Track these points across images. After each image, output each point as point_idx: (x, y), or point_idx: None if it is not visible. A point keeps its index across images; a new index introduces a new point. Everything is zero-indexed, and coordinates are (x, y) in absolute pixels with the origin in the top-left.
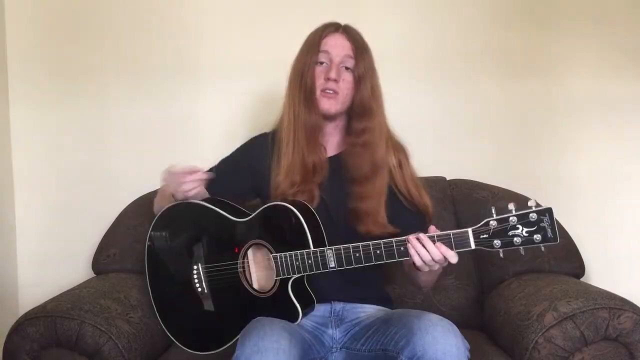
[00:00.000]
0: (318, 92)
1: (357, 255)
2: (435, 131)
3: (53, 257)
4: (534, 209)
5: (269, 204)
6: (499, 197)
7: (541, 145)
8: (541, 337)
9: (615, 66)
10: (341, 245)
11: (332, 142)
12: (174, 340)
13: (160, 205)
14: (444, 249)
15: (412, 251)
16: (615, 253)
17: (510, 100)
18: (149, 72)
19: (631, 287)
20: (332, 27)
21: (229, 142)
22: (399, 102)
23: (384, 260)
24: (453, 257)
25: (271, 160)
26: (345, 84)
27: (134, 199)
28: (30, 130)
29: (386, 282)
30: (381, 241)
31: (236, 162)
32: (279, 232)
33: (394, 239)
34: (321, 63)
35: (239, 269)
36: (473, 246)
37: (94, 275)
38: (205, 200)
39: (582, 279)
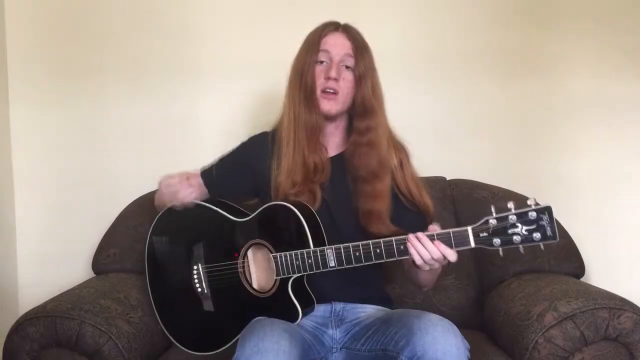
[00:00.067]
0: (318, 91)
1: (357, 254)
2: (435, 131)
3: (53, 257)
4: (533, 207)
5: (268, 204)
6: (499, 197)
7: (541, 145)
8: (541, 337)
9: (615, 66)
10: (341, 245)
11: (332, 142)
12: (174, 341)
13: (161, 201)
14: (443, 247)
15: (412, 250)
16: (615, 253)
17: (510, 100)
18: (149, 72)
19: (631, 287)
20: (332, 26)
21: (229, 142)
22: (399, 102)
23: (383, 259)
24: (452, 256)
25: (271, 160)
26: (345, 83)
27: (134, 199)
28: (30, 130)
29: (386, 282)
30: (381, 240)
31: (236, 162)
32: (279, 232)
33: (393, 238)
34: (321, 62)
35: (239, 269)
36: (473, 245)
37: (94, 275)
38: (205, 200)
39: (582, 279)
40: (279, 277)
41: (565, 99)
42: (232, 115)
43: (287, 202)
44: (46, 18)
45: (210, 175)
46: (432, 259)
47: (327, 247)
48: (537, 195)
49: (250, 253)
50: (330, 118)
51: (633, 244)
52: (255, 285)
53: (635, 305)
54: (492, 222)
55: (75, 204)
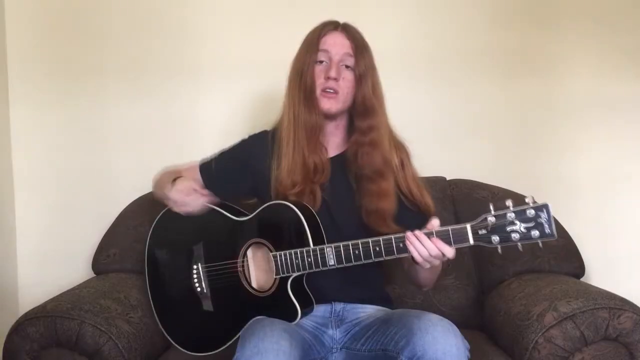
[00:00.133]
0: (318, 91)
1: (357, 252)
2: (435, 131)
3: (53, 257)
4: (531, 205)
5: (268, 203)
6: (499, 197)
7: (541, 145)
8: (541, 337)
9: (615, 66)
10: (340, 243)
11: (333, 141)
12: (173, 342)
13: (163, 189)
14: (441, 244)
15: (410, 247)
16: (615, 253)
17: (510, 100)
18: (149, 72)
19: (631, 287)
20: (331, 26)
21: (229, 142)
22: (399, 102)
23: (383, 257)
24: (449, 252)
25: (271, 159)
26: (345, 83)
27: (134, 199)
28: (30, 130)
29: (386, 282)
30: (380, 238)
31: (236, 159)
32: (279, 231)
33: (392, 236)
34: (321, 62)
35: (239, 268)
36: (471, 242)
37: (94, 275)
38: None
39: (582, 279)
40: (279, 276)
41: (565, 99)
42: (232, 115)
43: (287, 201)
44: (46, 18)
45: (209, 170)
46: (430, 256)
47: (327, 245)
48: (537, 195)
49: (250, 252)
50: (330, 117)
51: (633, 244)
52: (254, 285)
53: (635, 305)
54: (491, 219)
55: (75, 204)
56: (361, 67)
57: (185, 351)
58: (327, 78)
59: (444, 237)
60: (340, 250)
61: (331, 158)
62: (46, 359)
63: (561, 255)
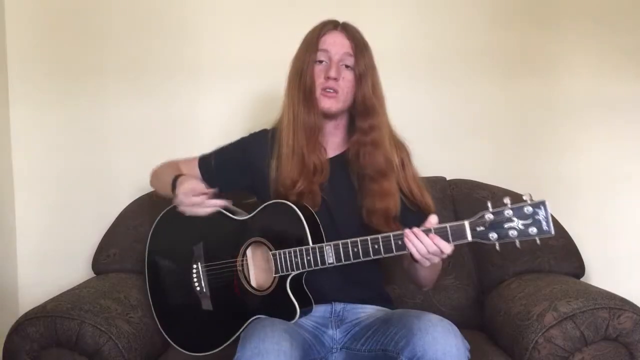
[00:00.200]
0: (318, 91)
1: (355, 250)
2: (435, 131)
3: (53, 257)
4: (528, 202)
5: (268, 203)
6: (499, 197)
7: (541, 145)
8: (541, 337)
9: (615, 66)
10: (339, 241)
11: (332, 141)
12: (172, 343)
13: (163, 183)
14: (438, 240)
15: (409, 245)
16: (615, 253)
17: (510, 100)
18: (148, 72)
19: (631, 287)
20: (331, 25)
21: (229, 142)
22: (399, 102)
23: (382, 255)
24: (447, 249)
25: (270, 159)
26: (345, 83)
27: (134, 199)
28: (30, 130)
29: (386, 282)
30: (379, 236)
31: (235, 156)
32: (278, 230)
33: (391, 233)
34: (320, 62)
35: (238, 267)
36: (470, 238)
37: (94, 275)
38: None
39: (582, 279)
40: (278, 275)
41: (565, 99)
42: (232, 115)
43: (287, 201)
44: (46, 18)
45: (208, 165)
46: (429, 252)
47: (326, 243)
48: (537, 195)
49: (249, 251)
50: (330, 117)
51: (633, 244)
52: (254, 284)
53: (635, 305)
54: (489, 216)
55: (75, 204)
56: (361, 67)
57: (185, 351)
58: (327, 78)
59: (442, 234)
60: (340, 249)
61: (331, 158)
62: (46, 359)
63: (561, 255)
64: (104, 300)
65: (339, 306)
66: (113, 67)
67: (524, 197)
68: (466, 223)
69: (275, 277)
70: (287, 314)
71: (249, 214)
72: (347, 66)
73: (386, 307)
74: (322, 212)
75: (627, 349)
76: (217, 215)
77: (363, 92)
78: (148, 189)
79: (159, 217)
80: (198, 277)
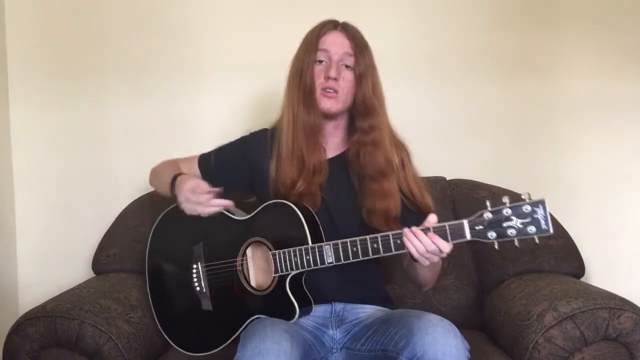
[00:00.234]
0: (318, 91)
1: (355, 249)
2: (435, 131)
3: (53, 257)
4: (527, 201)
5: (268, 203)
6: (499, 197)
7: (541, 145)
8: (541, 337)
9: (615, 66)
10: (339, 241)
11: (332, 142)
12: (172, 344)
13: (162, 182)
14: (437, 239)
15: (407, 244)
16: (615, 253)
17: (510, 100)
18: (148, 72)
19: (631, 287)
20: (331, 25)
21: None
22: (399, 102)
23: (381, 254)
24: (446, 247)
25: (270, 158)
26: (345, 83)
27: (134, 199)
28: (30, 130)
29: (386, 282)
30: (378, 235)
31: (235, 155)
32: (278, 230)
33: (390, 233)
34: (320, 62)
35: (238, 267)
36: (468, 237)
37: (94, 275)
38: None
39: (582, 279)
40: (277, 275)
41: (565, 99)
42: (232, 115)
43: (287, 201)
44: (46, 18)
45: (207, 163)
46: (427, 251)
47: (325, 243)
48: (537, 195)
49: (249, 251)
50: (330, 117)
51: (633, 244)
52: (253, 284)
53: (635, 305)
54: (487, 215)
55: (75, 204)
56: (361, 67)
57: (185, 352)
58: (327, 78)
59: (441, 233)
60: (339, 248)
61: (331, 158)
62: (46, 359)
63: (561, 255)
64: (104, 300)
65: (339, 306)
66: (113, 67)
67: (523, 196)
68: (465, 222)
69: (274, 276)
70: (286, 313)
71: (249, 214)
72: (347, 66)
73: (386, 307)
74: (322, 213)
75: (627, 349)
76: (217, 215)
77: (363, 92)
78: (148, 189)
79: (159, 217)
80: (198, 277)
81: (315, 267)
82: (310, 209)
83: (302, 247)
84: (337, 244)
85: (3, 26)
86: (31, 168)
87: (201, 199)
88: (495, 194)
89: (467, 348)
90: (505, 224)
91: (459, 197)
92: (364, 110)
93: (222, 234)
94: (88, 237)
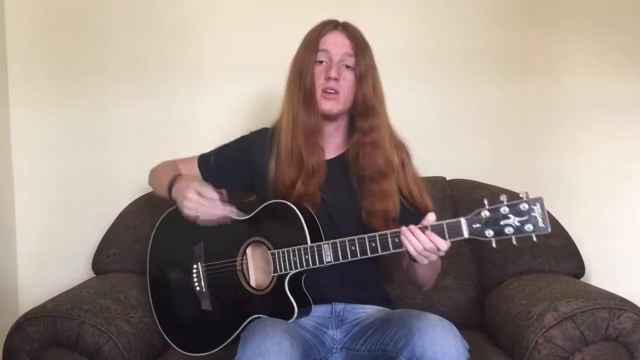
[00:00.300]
0: (319, 92)
1: (353, 248)
2: (435, 131)
3: (53, 257)
4: (524, 199)
5: (267, 202)
6: (497, 196)
7: (541, 145)
8: (541, 337)
9: (615, 66)
10: (337, 240)
11: (332, 143)
12: (172, 344)
13: (160, 184)
14: (434, 237)
15: (405, 242)
16: (615, 253)
17: (510, 100)
18: (148, 72)
19: (631, 287)
20: (331, 25)
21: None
22: (399, 102)
23: (379, 253)
24: (443, 245)
25: (270, 158)
26: (346, 83)
27: (134, 199)
28: (30, 130)
29: (386, 282)
30: (376, 234)
31: (235, 155)
32: (277, 230)
33: (388, 231)
34: (320, 62)
35: (238, 267)
36: (466, 235)
37: (94, 275)
38: None
39: (582, 279)
40: (276, 274)
41: (565, 99)
42: (232, 115)
43: (286, 201)
44: (46, 18)
45: (207, 164)
46: (425, 249)
47: (324, 242)
48: (537, 195)
49: (249, 251)
50: (330, 118)
51: (633, 244)
52: (253, 283)
53: (635, 305)
54: (485, 213)
55: (75, 204)
56: (361, 67)
57: (184, 352)
58: (328, 78)
59: (439, 231)
60: (337, 247)
61: (332, 159)
62: (46, 359)
63: (561, 255)
64: (104, 300)
65: (339, 306)
66: (113, 67)
67: (520, 195)
68: (462, 220)
69: (273, 276)
70: (285, 313)
71: (249, 213)
72: (347, 66)
73: (386, 307)
74: (322, 213)
75: (627, 349)
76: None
77: (363, 92)
78: (148, 189)
79: (161, 218)
80: (198, 277)
81: (314, 267)
82: (310, 208)
83: (301, 247)
84: (336, 243)
85: (3, 26)
86: (31, 168)
87: (207, 203)
88: (495, 194)
89: (467, 348)
90: (502, 222)
91: (459, 197)
92: (364, 110)
93: (222, 234)
94: (88, 237)
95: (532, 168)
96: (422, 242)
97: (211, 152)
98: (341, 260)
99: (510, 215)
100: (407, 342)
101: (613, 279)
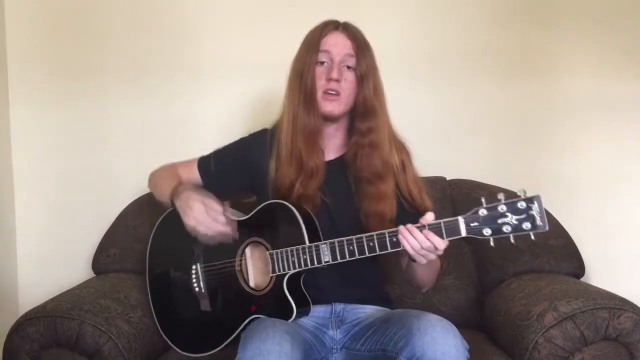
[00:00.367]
0: (319, 93)
1: (351, 248)
2: (435, 131)
3: (53, 257)
4: (522, 197)
5: (266, 203)
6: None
7: (541, 145)
8: (541, 337)
9: (615, 66)
10: (335, 239)
11: (333, 144)
12: (172, 345)
13: (160, 193)
14: (432, 235)
15: (403, 241)
16: (615, 253)
17: (510, 100)
18: (148, 72)
19: (631, 287)
20: (332, 25)
21: (229, 142)
22: (399, 102)
23: (377, 252)
24: (441, 244)
25: (270, 159)
26: (347, 84)
27: (134, 199)
28: (30, 130)
29: (386, 282)
30: (374, 233)
31: (236, 157)
32: (276, 230)
33: (386, 231)
34: (322, 63)
35: (236, 268)
36: (464, 234)
37: (94, 275)
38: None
39: (582, 279)
40: (275, 274)
41: (565, 99)
42: (232, 115)
43: (285, 201)
44: (46, 18)
45: (207, 167)
46: (422, 248)
47: (322, 242)
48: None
49: (248, 251)
50: (331, 119)
51: (633, 244)
52: (252, 284)
53: (635, 305)
54: (483, 212)
55: (75, 204)
56: (362, 67)
57: (184, 353)
58: (329, 79)
59: (436, 230)
60: (335, 247)
61: (332, 160)
62: (46, 359)
63: (561, 255)
64: (104, 300)
65: (339, 306)
66: (113, 67)
67: (518, 193)
68: (460, 219)
69: (272, 276)
70: (283, 313)
71: (248, 214)
72: (348, 67)
73: (386, 307)
74: (323, 215)
75: (627, 349)
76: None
77: (364, 93)
78: (148, 189)
79: (160, 219)
80: (197, 277)
81: (312, 267)
82: (308, 209)
83: (299, 247)
84: (334, 243)
85: (3, 26)
86: (31, 168)
87: (218, 219)
88: (494, 193)
89: (467, 348)
90: (500, 221)
91: (459, 197)
92: (364, 111)
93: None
94: (88, 237)
95: (532, 168)
96: (420, 241)
97: (210, 154)
98: (339, 260)
99: (508, 214)
100: (407, 342)
101: (613, 279)
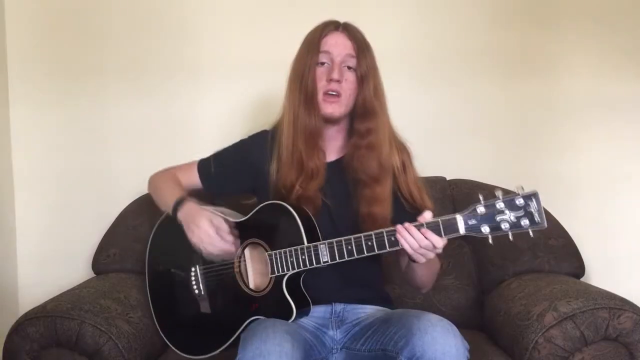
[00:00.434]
0: (320, 94)
1: (349, 247)
2: (435, 131)
3: (53, 257)
4: (520, 194)
5: (264, 204)
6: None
7: (541, 145)
8: (541, 337)
9: (615, 66)
10: (334, 239)
11: (333, 145)
12: (172, 346)
13: (163, 202)
14: (430, 234)
15: (401, 240)
16: (615, 253)
17: (510, 100)
18: (148, 72)
19: (631, 287)
20: (332, 26)
21: (229, 142)
22: (399, 102)
23: (375, 251)
24: (439, 242)
25: (270, 160)
26: (348, 85)
27: (134, 199)
28: (30, 130)
29: (386, 282)
30: (372, 233)
31: (236, 160)
32: (274, 231)
33: (384, 230)
34: (322, 63)
35: (235, 269)
36: (462, 232)
37: (94, 275)
38: (207, 203)
39: (582, 279)
40: (274, 275)
41: (565, 99)
42: (232, 115)
43: (283, 202)
44: (46, 18)
45: (207, 169)
46: (421, 247)
47: (320, 242)
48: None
49: (247, 252)
50: (332, 121)
51: (633, 244)
52: (251, 285)
53: (635, 305)
54: (481, 209)
55: (75, 204)
56: (363, 68)
57: (185, 355)
58: (330, 80)
59: (434, 228)
60: (334, 247)
61: (332, 162)
62: (46, 359)
63: (561, 255)
64: (104, 300)
65: (339, 307)
66: (113, 67)
67: (516, 189)
68: (458, 216)
69: (271, 277)
70: (283, 314)
71: (246, 215)
72: (349, 67)
73: (386, 307)
74: (324, 217)
75: (627, 349)
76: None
77: (364, 94)
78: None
79: (159, 220)
80: (196, 279)
81: (311, 267)
82: (307, 210)
83: (298, 247)
84: (332, 242)
85: (3, 26)
86: (31, 168)
87: (226, 238)
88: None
89: (467, 348)
90: (498, 218)
91: (459, 197)
92: (364, 112)
93: None
94: (88, 237)
95: (532, 168)
96: (418, 240)
97: (210, 157)
98: (338, 260)
99: (506, 211)
100: (407, 342)
101: (613, 279)
